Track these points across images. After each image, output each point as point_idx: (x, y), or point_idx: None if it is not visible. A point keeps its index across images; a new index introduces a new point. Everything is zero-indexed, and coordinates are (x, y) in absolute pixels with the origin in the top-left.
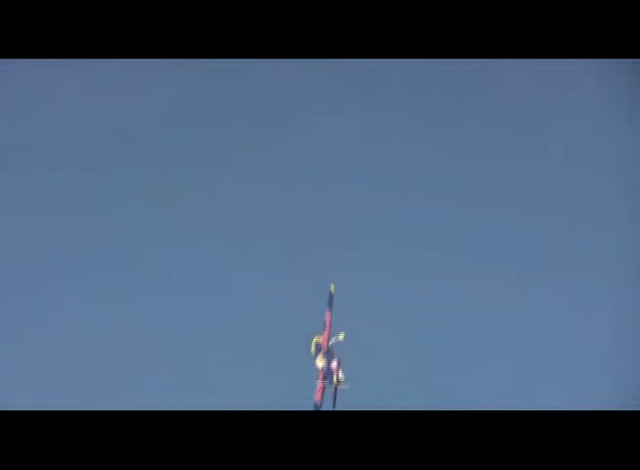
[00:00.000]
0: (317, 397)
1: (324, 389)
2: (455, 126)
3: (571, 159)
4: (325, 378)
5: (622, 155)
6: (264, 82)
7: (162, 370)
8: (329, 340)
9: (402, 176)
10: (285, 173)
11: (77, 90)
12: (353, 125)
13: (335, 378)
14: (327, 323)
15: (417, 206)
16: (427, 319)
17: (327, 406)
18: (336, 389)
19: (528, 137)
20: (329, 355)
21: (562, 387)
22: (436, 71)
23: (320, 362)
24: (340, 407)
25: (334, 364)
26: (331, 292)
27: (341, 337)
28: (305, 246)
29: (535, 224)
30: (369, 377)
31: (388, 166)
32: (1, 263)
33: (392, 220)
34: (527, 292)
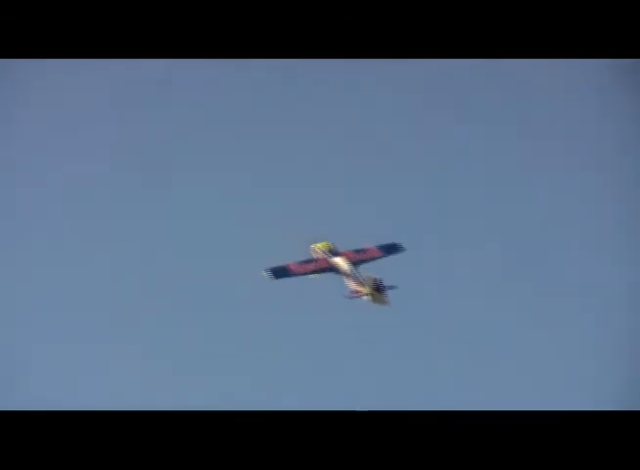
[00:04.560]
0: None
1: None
2: (455, 125)
3: (570, 158)
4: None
5: (622, 154)
6: (266, 81)
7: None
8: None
9: (402, 175)
10: (285, 173)
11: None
12: (354, 125)
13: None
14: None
15: (418, 204)
16: (427, 317)
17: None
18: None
19: (529, 136)
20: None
21: (561, 387)
22: (436, 71)
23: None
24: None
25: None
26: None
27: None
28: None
29: (535, 224)
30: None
31: (388, 166)
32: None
33: (391, 224)
34: (527, 292)
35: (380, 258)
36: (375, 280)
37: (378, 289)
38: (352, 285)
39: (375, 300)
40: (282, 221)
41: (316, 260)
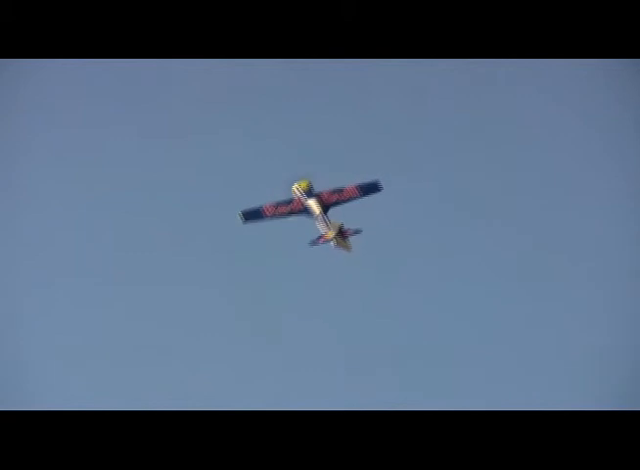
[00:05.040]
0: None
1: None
2: (455, 125)
3: (570, 158)
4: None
5: (622, 154)
6: (264, 82)
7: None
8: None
9: (401, 175)
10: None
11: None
12: (354, 125)
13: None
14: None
15: (417, 206)
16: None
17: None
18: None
19: (528, 136)
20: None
21: (561, 387)
22: (436, 71)
23: (315, 206)
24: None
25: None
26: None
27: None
28: None
29: (535, 224)
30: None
31: (387, 166)
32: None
33: (387, 227)
34: (527, 292)
35: (357, 198)
36: (339, 226)
37: (341, 234)
38: (321, 229)
39: (339, 244)
40: (270, 159)
41: (291, 202)
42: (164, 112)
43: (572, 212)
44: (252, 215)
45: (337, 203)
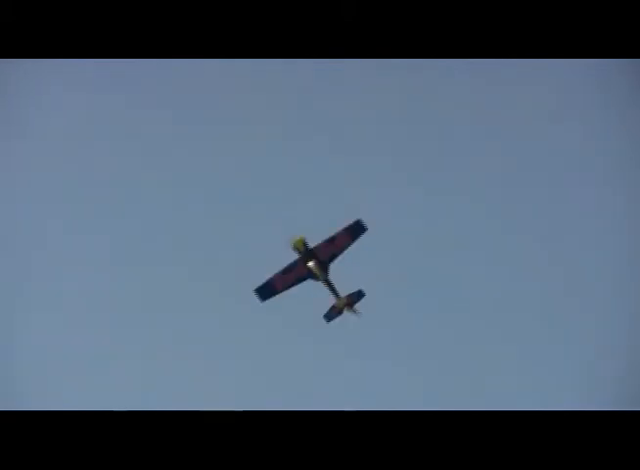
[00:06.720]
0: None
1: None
2: (454, 126)
3: (570, 158)
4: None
5: (622, 154)
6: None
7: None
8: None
9: (402, 177)
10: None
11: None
12: (355, 125)
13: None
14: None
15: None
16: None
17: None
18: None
19: (527, 137)
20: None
21: (561, 387)
22: (437, 71)
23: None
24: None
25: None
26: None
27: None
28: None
29: (533, 224)
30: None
31: (388, 166)
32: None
33: (392, 222)
34: (527, 291)
35: (350, 244)
36: (344, 302)
37: (349, 306)
38: (330, 293)
39: (349, 311)
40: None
41: (295, 267)
42: (163, 112)
43: (572, 213)
44: (267, 292)
45: (333, 256)
